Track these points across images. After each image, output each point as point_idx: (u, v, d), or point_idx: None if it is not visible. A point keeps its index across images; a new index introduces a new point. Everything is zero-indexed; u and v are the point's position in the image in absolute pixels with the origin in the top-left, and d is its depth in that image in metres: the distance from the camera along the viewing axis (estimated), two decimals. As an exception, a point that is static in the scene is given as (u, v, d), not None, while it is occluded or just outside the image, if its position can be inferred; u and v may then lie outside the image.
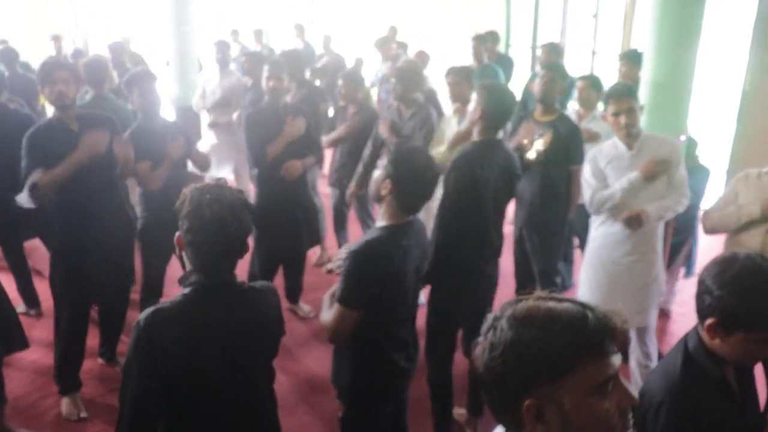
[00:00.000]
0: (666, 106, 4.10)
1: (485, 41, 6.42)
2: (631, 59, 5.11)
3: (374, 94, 7.94)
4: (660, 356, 3.63)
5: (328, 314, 2.31)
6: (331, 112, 7.66)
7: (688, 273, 4.60)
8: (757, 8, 6.08)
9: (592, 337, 1.03)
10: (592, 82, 4.63)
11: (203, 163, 4.10)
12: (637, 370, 3.56)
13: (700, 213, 4.33)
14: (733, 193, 3.22)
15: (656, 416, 1.60)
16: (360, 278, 2.21)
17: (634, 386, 3.35)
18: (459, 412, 3.48)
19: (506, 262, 3.36)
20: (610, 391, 1.05)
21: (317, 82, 7.58)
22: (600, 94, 4.47)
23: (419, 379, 2.93)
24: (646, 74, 4.24)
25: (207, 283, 1.83)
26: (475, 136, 3.10)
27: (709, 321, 1.61)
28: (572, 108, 5.02)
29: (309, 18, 10.65)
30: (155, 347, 1.73)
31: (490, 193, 2.99)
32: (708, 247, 3.66)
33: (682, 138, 4.15)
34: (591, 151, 3.62)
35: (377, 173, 2.35)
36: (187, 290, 1.85)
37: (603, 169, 3.49)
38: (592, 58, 8.40)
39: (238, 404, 1.89)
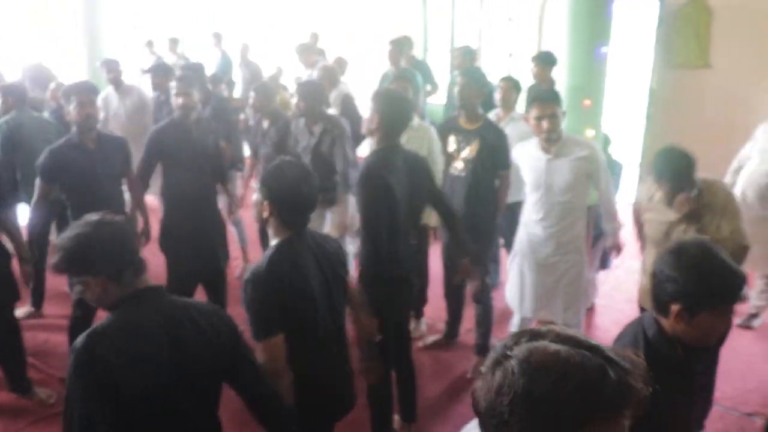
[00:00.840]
0: (581, 105, 4.22)
1: (402, 46, 6.46)
2: (543, 60, 5.26)
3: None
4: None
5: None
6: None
7: (605, 265, 4.80)
8: (659, 10, 6.39)
9: (609, 399, 0.96)
10: (514, 84, 4.67)
11: (137, 188, 3.96)
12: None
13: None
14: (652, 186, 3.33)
15: None
16: (260, 306, 2.16)
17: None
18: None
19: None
20: None
21: (235, 93, 7.41)
22: (519, 95, 4.57)
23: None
24: (561, 75, 4.35)
25: (127, 293, 1.83)
26: (375, 145, 3.03)
27: (674, 308, 1.70)
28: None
29: (226, 26, 10.42)
30: (97, 362, 1.71)
31: (404, 198, 2.94)
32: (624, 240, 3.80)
33: (591, 133, 4.27)
34: (516, 147, 3.71)
35: (255, 197, 2.31)
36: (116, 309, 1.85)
37: (521, 168, 3.59)
38: (509, 61, 8.60)
39: (186, 417, 1.87)
